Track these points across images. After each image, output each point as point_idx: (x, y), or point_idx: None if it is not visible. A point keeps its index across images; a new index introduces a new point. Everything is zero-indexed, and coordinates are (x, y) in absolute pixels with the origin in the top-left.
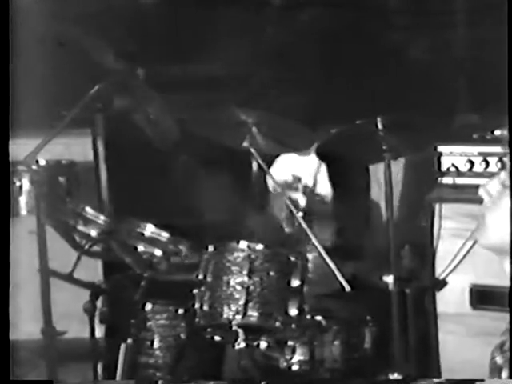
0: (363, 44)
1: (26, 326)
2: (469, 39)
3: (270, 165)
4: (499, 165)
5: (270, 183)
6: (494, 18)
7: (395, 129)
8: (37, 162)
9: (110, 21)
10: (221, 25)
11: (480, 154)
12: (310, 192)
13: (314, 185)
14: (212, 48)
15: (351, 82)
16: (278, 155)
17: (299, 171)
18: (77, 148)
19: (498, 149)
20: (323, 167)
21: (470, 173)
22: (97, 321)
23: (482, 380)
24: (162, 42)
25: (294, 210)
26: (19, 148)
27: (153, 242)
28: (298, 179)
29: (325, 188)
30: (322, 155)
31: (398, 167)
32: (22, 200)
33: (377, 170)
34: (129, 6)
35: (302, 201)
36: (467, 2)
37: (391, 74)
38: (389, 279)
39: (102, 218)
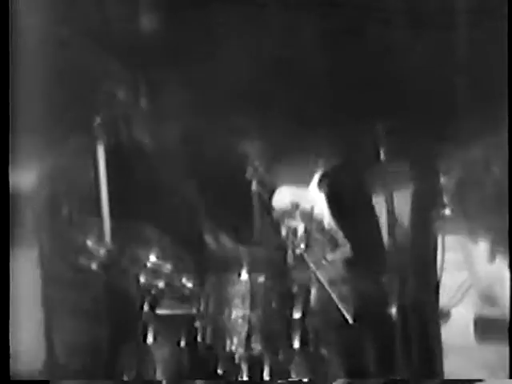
0: (366, 70)
1: (27, 358)
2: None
3: (271, 196)
4: None
5: (272, 213)
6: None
7: (398, 159)
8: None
9: (110, 47)
10: (224, 50)
11: None
12: (307, 219)
13: (312, 211)
14: (216, 74)
15: (354, 111)
16: (278, 186)
17: (298, 199)
18: (78, 177)
19: None
20: (322, 195)
21: None
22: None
23: (481, 380)
24: (164, 70)
25: (295, 241)
26: (19, 177)
27: (155, 273)
28: (296, 206)
29: (322, 214)
30: (323, 186)
31: (401, 197)
32: (25, 230)
33: (380, 200)
34: (129, 31)
35: (301, 228)
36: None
37: (396, 99)
38: (392, 310)
39: (103, 250)
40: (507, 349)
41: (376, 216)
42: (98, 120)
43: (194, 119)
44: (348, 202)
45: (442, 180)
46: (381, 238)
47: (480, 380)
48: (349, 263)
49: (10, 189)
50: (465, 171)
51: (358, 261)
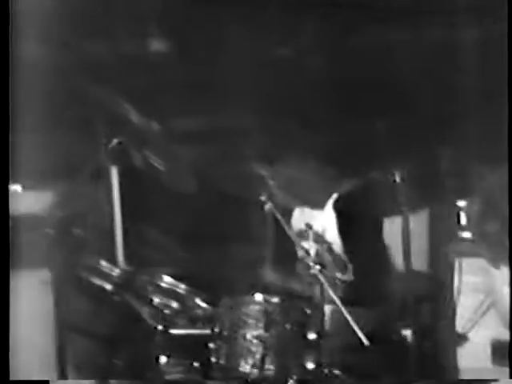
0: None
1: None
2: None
3: (285, 217)
4: None
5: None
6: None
7: (412, 182)
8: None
9: (121, 70)
10: (234, 73)
11: None
12: (319, 240)
13: (323, 232)
14: (226, 99)
15: (368, 131)
16: (293, 209)
17: (311, 220)
18: (92, 199)
19: None
20: (333, 216)
21: None
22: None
23: (483, 380)
24: (176, 93)
25: (311, 263)
26: (31, 201)
27: (169, 293)
28: (309, 227)
29: (333, 236)
30: (338, 209)
31: (417, 220)
32: (38, 252)
33: (394, 223)
34: (140, 54)
35: (313, 249)
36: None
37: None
38: (407, 333)
39: (116, 271)
40: None
41: (384, 240)
42: (112, 143)
43: (209, 142)
44: (359, 226)
45: (461, 203)
46: (390, 262)
47: (495, 380)
48: (359, 286)
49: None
50: (485, 195)
51: (367, 283)
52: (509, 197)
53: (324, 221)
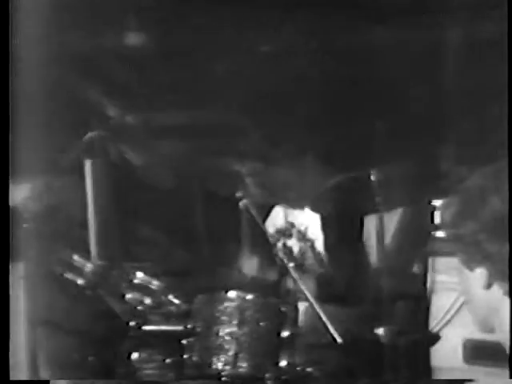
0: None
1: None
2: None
3: (263, 214)
4: None
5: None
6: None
7: (389, 181)
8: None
9: (99, 66)
10: (217, 69)
11: None
12: (302, 238)
13: (306, 230)
14: (208, 93)
15: (346, 131)
16: (272, 205)
17: (293, 218)
18: (65, 194)
19: None
20: (316, 215)
21: None
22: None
23: (471, 380)
24: (153, 88)
25: (286, 260)
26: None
27: (142, 289)
28: (291, 225)
29: (315, 234)
30: (316, 208)
31: (392, 219)
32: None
33: (371, 221)
34: (118, 48)
35: (296, 247)
36: None
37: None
38: (380, 331)
39: (89, 266)
40: (495, 371)
41: (363, 238)
42: (87, 136)
43: (185, 137)
44: (340, 224)
45: (435, 202)
46: (367, 261)
47: (470, 380)
48: (337, 284)
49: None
50: (462, 195)
51: (346, 282)
52: (509, 198)
53: (306, 218)
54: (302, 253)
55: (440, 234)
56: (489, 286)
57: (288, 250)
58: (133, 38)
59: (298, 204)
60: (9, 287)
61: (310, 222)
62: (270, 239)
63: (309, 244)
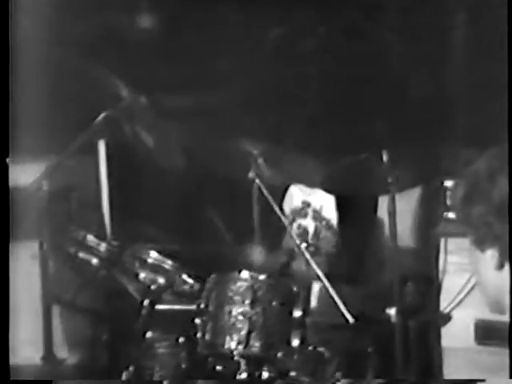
0: (369, 74)
1: (25, 352)
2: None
3: (274, 195)
4: None
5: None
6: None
7: (400, 162)
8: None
9: (110, 48)
10: (224, 50)
11: None
12: (317, 217)
13: (321, 209)
14: (216, 75)
15: (356, 113)
16: (287, 186)
17: (309, 197)
18: (79, 173)
19: None
20: (331, 196)
21: None
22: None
23: (483, 380)
24: (165, 69)
25: (298, 241)
26: (19, 173)
27: (156, 269)
28: (307, 204)
29: (331, 213)
30: (328, 188)
31: (404, 200)
32: (25, 225)
33: (384, 202)
34: (128, 30)
35: (311, 226)
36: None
37: (397, 106)
38: (392, 311)
39: (103, 246)
40: (507, 351)
41: (378, 218)
42: (100, 116)
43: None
44: (351, 202)
45: (447, 183)
46: (383, 240)
47: (482, 380)
48: (350, 264)
49: (10, 183)
50: (471, 177)
51: (359, 262)
52: (509, 195)
53: (321, 198)
54: (317, 232)
55: (451, 215)
56: (500, 266)
57: (302, 230)
58: (144, 20)
59: (311, 184)
60: (9, 288)
61: (325, 201)
62: (285, 220)
63: (324, 223)
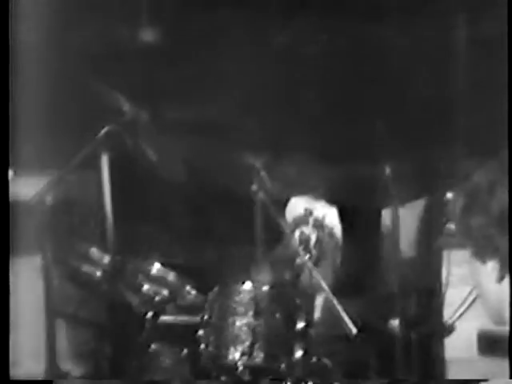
0: (369, 84)
1: (28, 364)
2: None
3: (277, 208)
4: None
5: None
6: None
7: (403, 175)
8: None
9: (112, 62)
10: (225, 63)
11: None
12: (319, 225)
13: (324, 218)
14: (217, 89)
15: (358, 123)
16: (287, 198)
17: (311, 206)
18: (82, 187)
19: None
20: (333, 206)
21: None
22: (101, 360)
23: (483, 380)
24: (165, 83)
25: (302, 253)
26: (22, 187)
27: (159, 281)
28: (309, 212)
29: (333, 223)
30: (330, 200)
31: (407, 212)
32: (28, 239)
33: (387, 214)
34: (129, 43)
35: (313, 235)
36: None
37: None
38: (395, 323)
39: (106, 258)
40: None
41: (381, 230)
42: (103, 130)
43: (198, 132)
44: (357, 216)
45: (448, 195)
46: (386, 252)
47: (484, 380)
48: (353, 275)
49: (11, 197)
50: (470, 189)
51: (361, 274)
52: (509, 195)
53: (324, 208)
54: (319, 241)
55: (452, 226)
56: (501, 278)
57: (305, 239)
58: (145, 34)
59: (313, 196)
60: (9, 289)
61: (327, 210)
62: (287, 230)
63: (326, 231)
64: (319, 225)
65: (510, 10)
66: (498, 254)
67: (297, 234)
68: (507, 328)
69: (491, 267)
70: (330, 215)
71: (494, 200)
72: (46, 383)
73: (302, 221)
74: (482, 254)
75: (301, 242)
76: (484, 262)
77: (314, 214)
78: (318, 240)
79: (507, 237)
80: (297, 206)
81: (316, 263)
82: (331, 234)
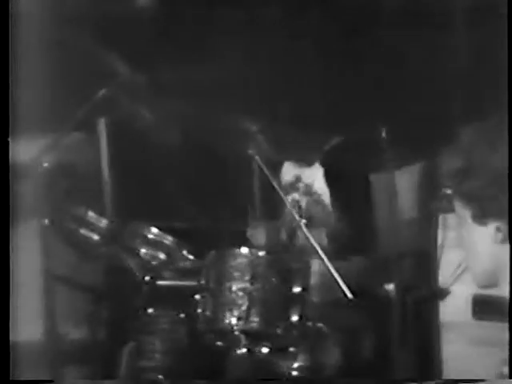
0: (367, 50)
1: (26, 327)
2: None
3: (273, 171)
4: None
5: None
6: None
7: (400, 139)
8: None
9: (109, 25)
10: (221, 26)
11: None
12: (308, 191)
13: (312, 184)
14: (214, 52)
15: (355, 90)
16: (282, 162)
17: (300, 172)
18: (79, 151)
19: None
20: (320, 169)
21: None
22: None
23: (483, 380)
24: (162, 46)
25: (298, 217)
26: (19, 150)
27: (156, 245)
28: (298, 179)
29: (321, 187)
30: (326, 163)
31: (402, 176)
32: (26, 202)
33: (380, 179)
34: (127, 10)
35: (303, 201)
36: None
37: (395, 83)
38: (390, 287)
39: (104, 222)
40: (504, 325)
41: (371, 195)
42: (99, 94)
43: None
44: (346, 181)
45: (444, 160)
46: (375, 217)
47: (482, 380)
48: (347, 240)
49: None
50: (467, 151)
51: (354, 238)
52: (509, 186)
53: (313, 173)
54: (310, 207)
55: (449, 190)
56: (504, 240)
57: (297, 204)
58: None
59: (307, 160)
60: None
61: (316, 176)
62: (284, 196)
63: (315, 197)
64: (308, 191)
65: (511, 10)
66: (498, 214)
67: (289, 199)
68: (498, 290)
69: (494, 228)
70: (318, 181)
71: (494, 158)
72: (46, 383)
73: (291, 186)
74: (483, 215)
75: (293, 207)
76: (485, 224)
77: (302, 180)
78: (307, 205)
79: (504, 199)
80: (287, 172)
81: (309, 228)
82: (320, 201)
